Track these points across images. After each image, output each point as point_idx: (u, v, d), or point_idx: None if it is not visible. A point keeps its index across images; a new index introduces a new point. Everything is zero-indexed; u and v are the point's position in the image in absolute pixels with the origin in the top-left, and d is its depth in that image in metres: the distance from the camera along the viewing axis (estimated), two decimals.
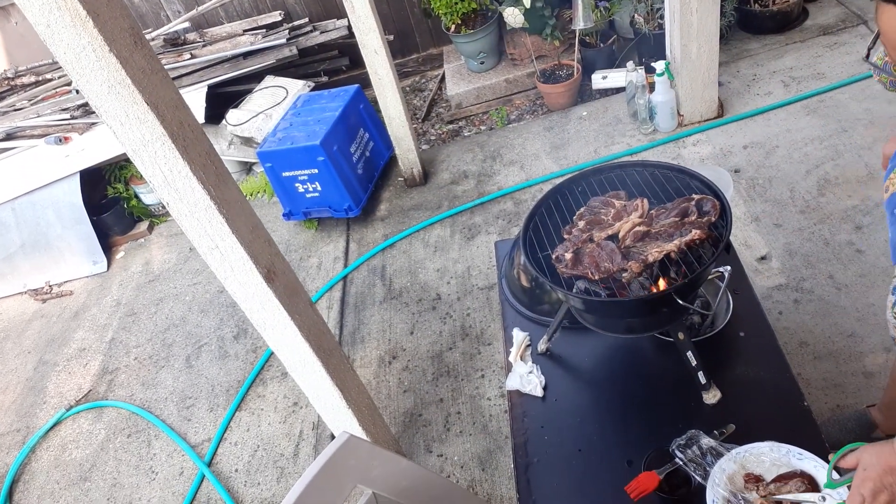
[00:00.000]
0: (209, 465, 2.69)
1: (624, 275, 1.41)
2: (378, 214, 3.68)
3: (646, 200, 1.52)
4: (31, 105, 4.56)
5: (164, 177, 1.49)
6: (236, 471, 2.64)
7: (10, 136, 4.36)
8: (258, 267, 1.65)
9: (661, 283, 1.40)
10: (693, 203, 1.46)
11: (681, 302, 1.34)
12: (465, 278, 3.07)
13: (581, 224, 1.55)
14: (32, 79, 4.77)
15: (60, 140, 4.11)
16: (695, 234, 1.38)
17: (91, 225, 3.98)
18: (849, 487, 1.14)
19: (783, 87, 3.42)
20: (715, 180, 1.56)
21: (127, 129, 1.41)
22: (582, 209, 1.59)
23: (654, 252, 1.39)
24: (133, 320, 3.60)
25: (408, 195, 3.73)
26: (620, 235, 1.47)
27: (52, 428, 3.11)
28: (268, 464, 2.62)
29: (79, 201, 3.93)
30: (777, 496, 1.23)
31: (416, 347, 2.85)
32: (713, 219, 1.43)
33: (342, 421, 2.08)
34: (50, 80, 4.71)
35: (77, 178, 3.94)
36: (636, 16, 3.77)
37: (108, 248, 4.16)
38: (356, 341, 2.99)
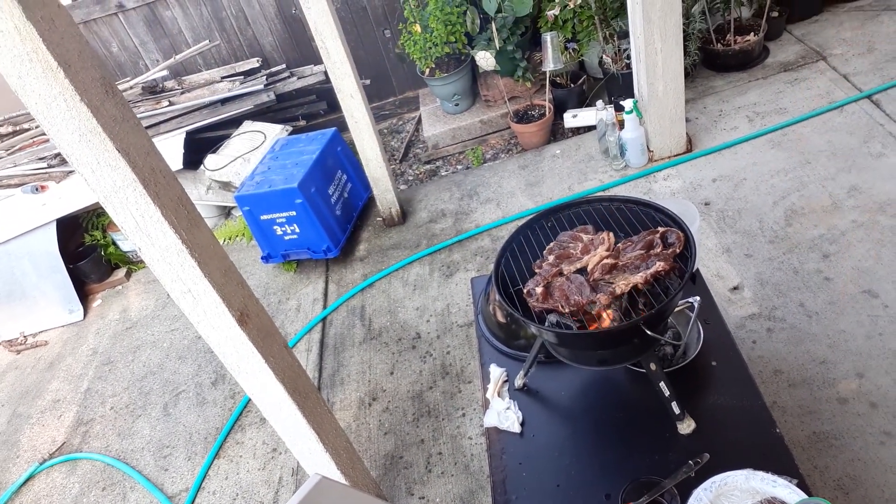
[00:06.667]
0: None
1: (594, 307, 1.43)
2: (357, 255, 3.69)
3: (611, 234, 1.56)
4: (8, 155, 4.56)
5: (136, 222, 1.50)
6: None
7: None
8: (231, 310, 1.65)
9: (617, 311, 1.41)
10: (658, 235, 1.50)
11: (649, 333, 1.36)
12: (445, 316, 3.07)
13: (551, 258, 1.57)
14: (9, 129, 4.78)
15: (37, 189, 4.11)
16: (659, 265, 1.40)
17: (67, 273, 3.95)
18: None
19: (748, 121, 3.53)
20: (681, 213, 1.60)
21: (98, 176, 1.42)
22: (551, 244, 1.62)
23: (621, 284, 1.42)
24: (109, 369, 3.54)
25: (386, 235, 3.75)
26: (589, 268, 1.50)
27: (24, 483, 3.02)
28: None
29: (55, 250, 3.91)
30: None
31: (397, 388, 2.83)
32: (678, 250, 1.46)
33: (319, 465, 2.05)
34: (27, 130, 4.72)
35: (53, 227, 3.92)
36: (604, 56, 3.89)
37: (84, 296, 4.11)
38: (336, 383, 2.96)
